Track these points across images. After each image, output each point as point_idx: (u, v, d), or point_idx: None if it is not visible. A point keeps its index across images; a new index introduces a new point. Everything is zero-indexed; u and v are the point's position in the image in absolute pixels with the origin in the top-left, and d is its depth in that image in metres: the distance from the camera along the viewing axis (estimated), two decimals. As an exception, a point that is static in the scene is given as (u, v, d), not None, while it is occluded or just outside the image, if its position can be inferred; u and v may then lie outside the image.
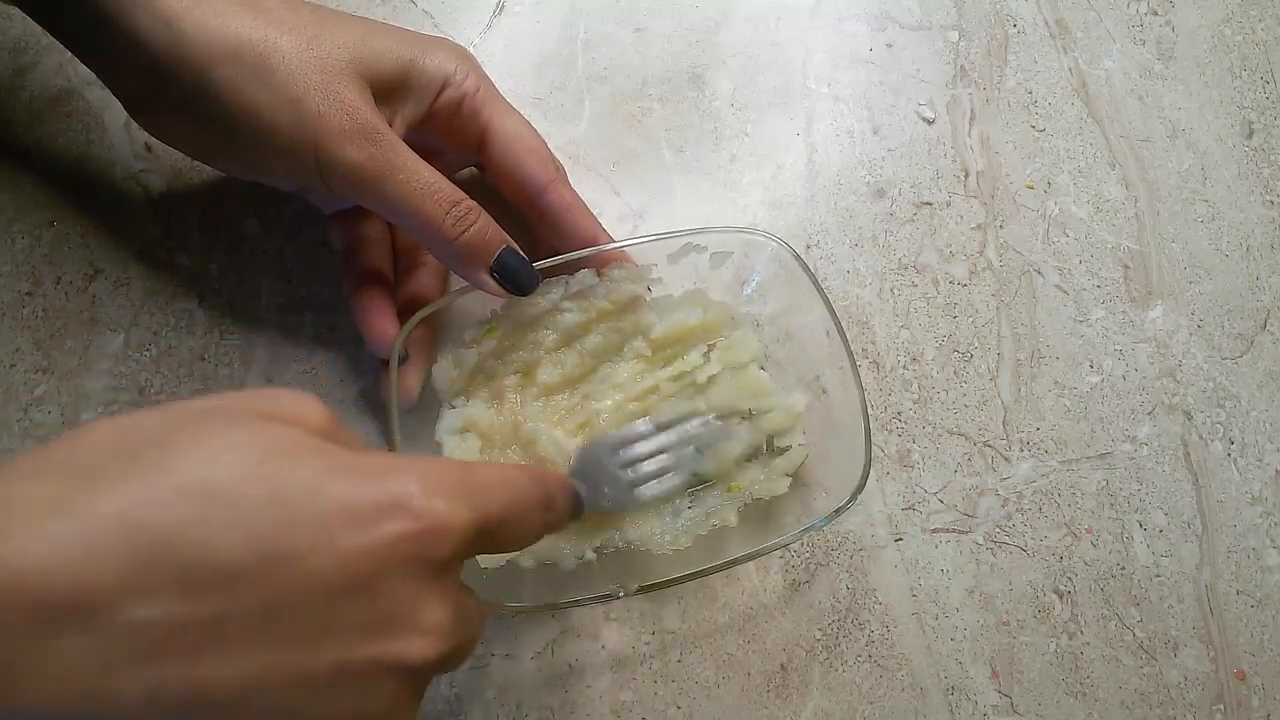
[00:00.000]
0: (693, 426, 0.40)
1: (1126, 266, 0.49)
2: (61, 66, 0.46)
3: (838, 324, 0.40)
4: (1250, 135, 0.52)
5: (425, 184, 0.35)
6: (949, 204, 0.49)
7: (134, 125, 0.44)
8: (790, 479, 0.41)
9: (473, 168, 0.45)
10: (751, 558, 0.39)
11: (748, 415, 0.41)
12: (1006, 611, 0.44)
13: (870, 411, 0.41)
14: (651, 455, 0.39)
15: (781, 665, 0.42)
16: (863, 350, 0.46)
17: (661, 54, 0.50)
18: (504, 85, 0.41)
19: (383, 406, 0.43)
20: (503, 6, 0.50)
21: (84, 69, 0.38)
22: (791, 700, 0.41)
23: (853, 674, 0.42)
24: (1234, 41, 0.54)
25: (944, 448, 0.45)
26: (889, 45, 0.51)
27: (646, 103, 0.49)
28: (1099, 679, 0.43)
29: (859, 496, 0.38)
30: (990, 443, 0.46)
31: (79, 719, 0.20)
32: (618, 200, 0.47)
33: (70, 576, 0.19)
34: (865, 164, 0.49)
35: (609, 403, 0.41)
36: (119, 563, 0.20)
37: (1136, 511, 0.46)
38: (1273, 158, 0.52)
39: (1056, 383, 0.47)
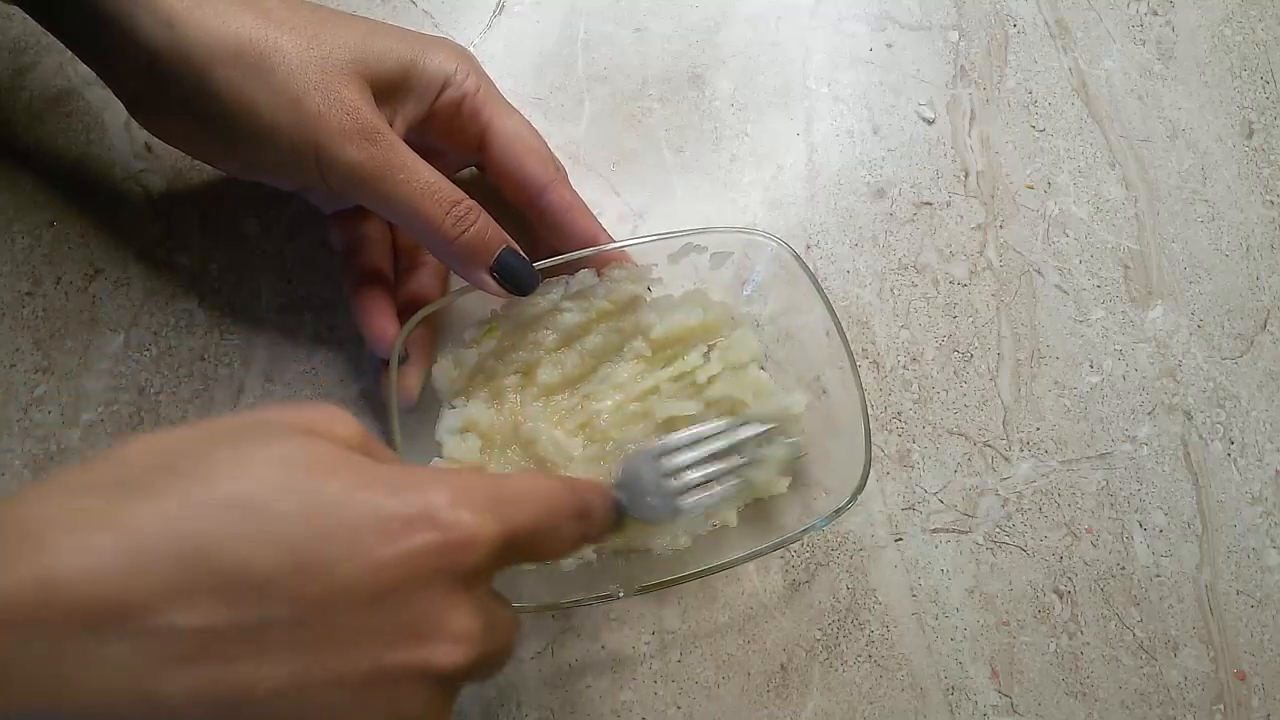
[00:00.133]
0: (741, 434, 0.39)
1: (1126, 266, 0.49)
2: (61, 66, 0.46)
3: (838, 324, 0.40)
4: (1250, 135, 0.52)
5: (425, 184, 0.35)
6: (949, 204, 0.49)
7: (134, 125, 0.44)
8: (790, 479, 0.41)
9: (473, 168, 0.45)
10: (751, 558, 0.39)
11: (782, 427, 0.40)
12: (1006, 611, 0.44)
13: (870, 411, 0.41)
14: (695, 464, 0.38)
15: (781, 665, 0.42)
16: (863, 350, 0.46)
17: (661, 54, 0.50)
18: (504, 85, 0.41)
19: (383, 406, 0.43)
20: (503, 6, 0.50)
21: (84, 69, 0.38)
22: (791, 700, 0.41)
23: (853, 674, 0.42)
24: (1234, 41, 0.54)
25: (944, 448, 0.45)
26: (889, 45, 0.51)
27: (646, 103, 0.49)
28: (1099, 679, 0.43)
29: (859, 496, 0.38)
30: (990, 443, 0.46)
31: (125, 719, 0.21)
32: (618, 200, 0.47)
33: (114, 585, 0.20)
34: (865, 164, 0.49)
35: (609, 403, 0.41)
36: (160, 572, 0.21)
37: (1136, 511, 0.46)
38: (1273, 158, 0.52)
39: (1056, 383, 0.47)
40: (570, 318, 0.40)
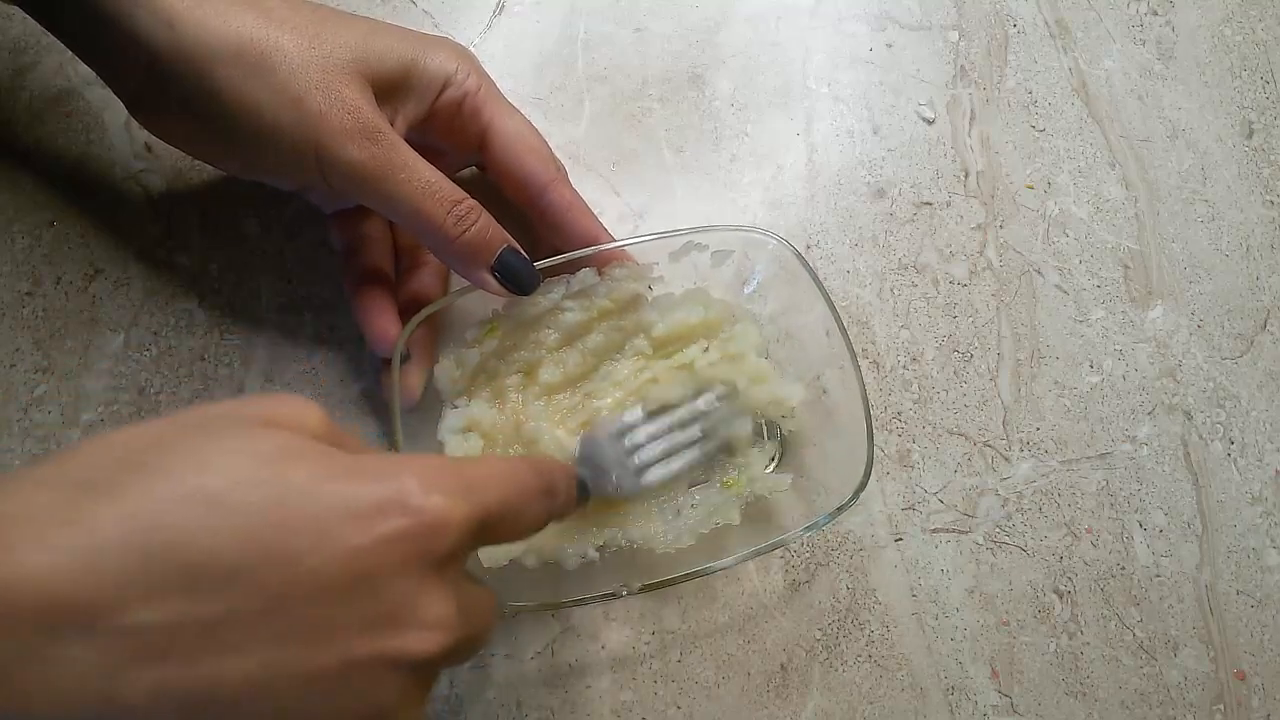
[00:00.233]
0: (700, 404, 0.40)
1: (1126, 266, 0.49)
2: (61, 66, 0.46)
3: (839, 323, 0.40)
4: (1250, 135, 0.52)
5: (426, 183, 0.35)
6: (949, 204, 0.49)
7: (134, 125, 0.44)
8: (790, 477, 0.41)
9: (474, 167, 0.45)
10: (751, 557, 0.39)
11: (740, 394, 0.41)
12: (1006, 611, 0.44)
13: (870, 411, 0.41)
14: (654, 438, 0.39)
15: (781, 665, 0.42)
16: (863, 350, 0.46)
17: (661, 54, 0.50)
18: (504, 85, 0.41)
19: (384, 406, 0.43)
20: (503, 6, 0.50)
21: (84, 69, 0.38)
22: (791, 700, 0.41)
23: (853, 674, 0.42)
24: (1234, 41, 0.54)
25: (944, 448, 0.45)
26: (889, 45, 0.51)
27: (646, 103, 0.49)
28: (1099, 679, 0.43)
29: (860, 496, 0.38)
30: (990, 443, 0.46)
31: None
32: (618, 200, 0.47)
33: (74, 584, 0.20)
34: (865, 164, 0.49)
35: (610, 400, 0.41)
36: (121, 568, 0.20)
37: (1136, 511, 0.46)
38: (1273, 158, 0.52)
39: (1056, 383, 0.47)
40: (572, 317, 0.40)
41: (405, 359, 0.39)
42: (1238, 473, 0.47)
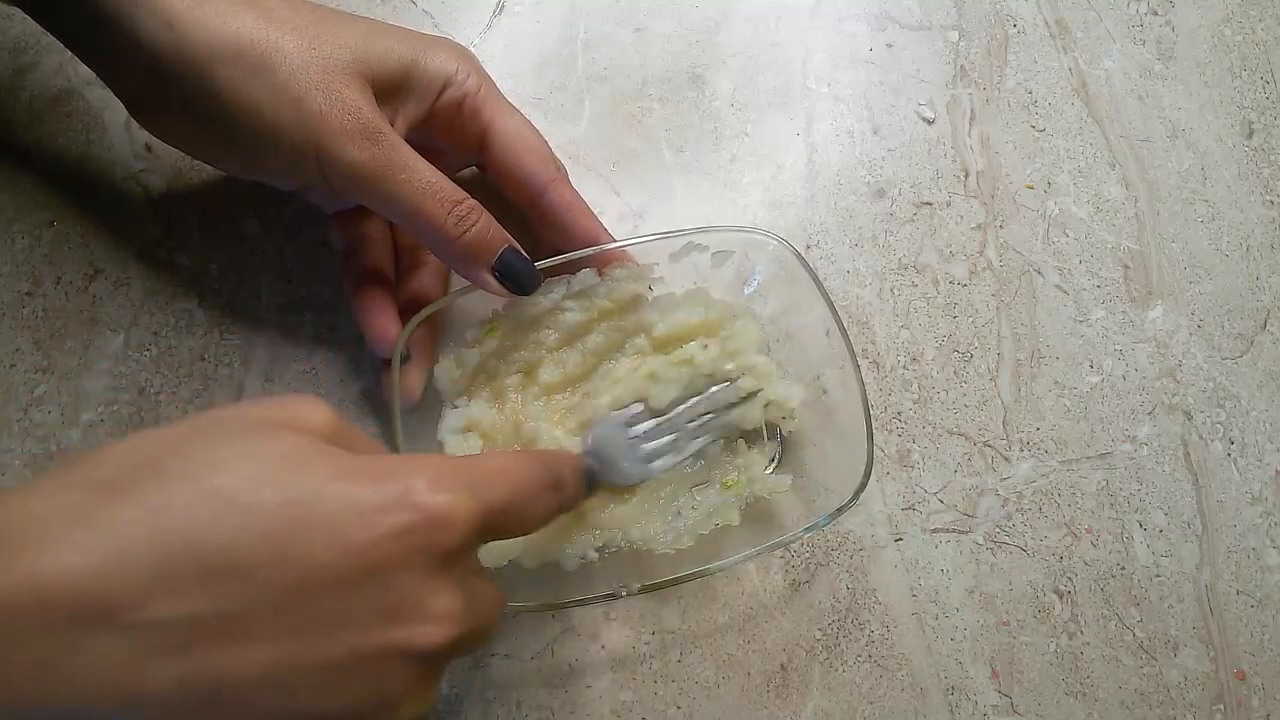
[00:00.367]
0: (710, 393, 0.41)
1: (1126, 266, 0.49)
2: (61, 66, 0.46)
3: (839, 323, 0.40)
4: (1250, 135, 0.52)
5: (427, 183, 0.35)
6: (949, 204, 0.49)
7: (134, 125, 0.44)
8: (790, 477, 0.41)
9: (474, 167, 0.45)
10: (751, 557, 0.39)
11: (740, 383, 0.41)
12: (1006, 611, 0.44)
13: (870, 411, 0.41)
14: (661, 426, 0.40)
15: (781, 665, 0.42)
16: (863, 350, 0.46)
17: (661, 54, 0.50)
18: (504, 85, 0.41)
19: (384, 406, 0.43)
20: (503, 6, 0.50)
21: (84, 69, 0.38)
22: (791, 700, 0.41)
23: (853, 674, 0.42)
24: (1234, 41, 0.54)
25: (944, 448, 0.45)
26: (889, 45, 0.51)
27: (646, 103, 0.49)
28: (1099, 679, 0.43)
29: (860, 496, 0.38)
30: (990, 443, 0.46)
31: (116, 712, 0.21)
32: (618, 200, 0.47)
33: (98, 581, 0.21)
34: (865, 164, 0.49)
35: (608, 399, 0.41)
36: (143, 566, 0.21)
37: (1136, 511, 0.46)
38: (1273, 158, 0.52)
39: (1056, 383, 0.47)
40: (572, 317, 0.40)
41: (405, 359, 0.39)
42: (1238, 473, 0.47)
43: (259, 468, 0.24)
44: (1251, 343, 0.49)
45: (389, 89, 0.36)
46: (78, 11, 0.33)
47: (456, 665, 0.40)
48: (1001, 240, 0.49)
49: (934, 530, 0.44)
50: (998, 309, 0.48)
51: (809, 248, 0.48)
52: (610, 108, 0.49)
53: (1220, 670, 0.44)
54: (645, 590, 0.37)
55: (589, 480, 0.33)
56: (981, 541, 0.44)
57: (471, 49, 0.45)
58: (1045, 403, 0.47)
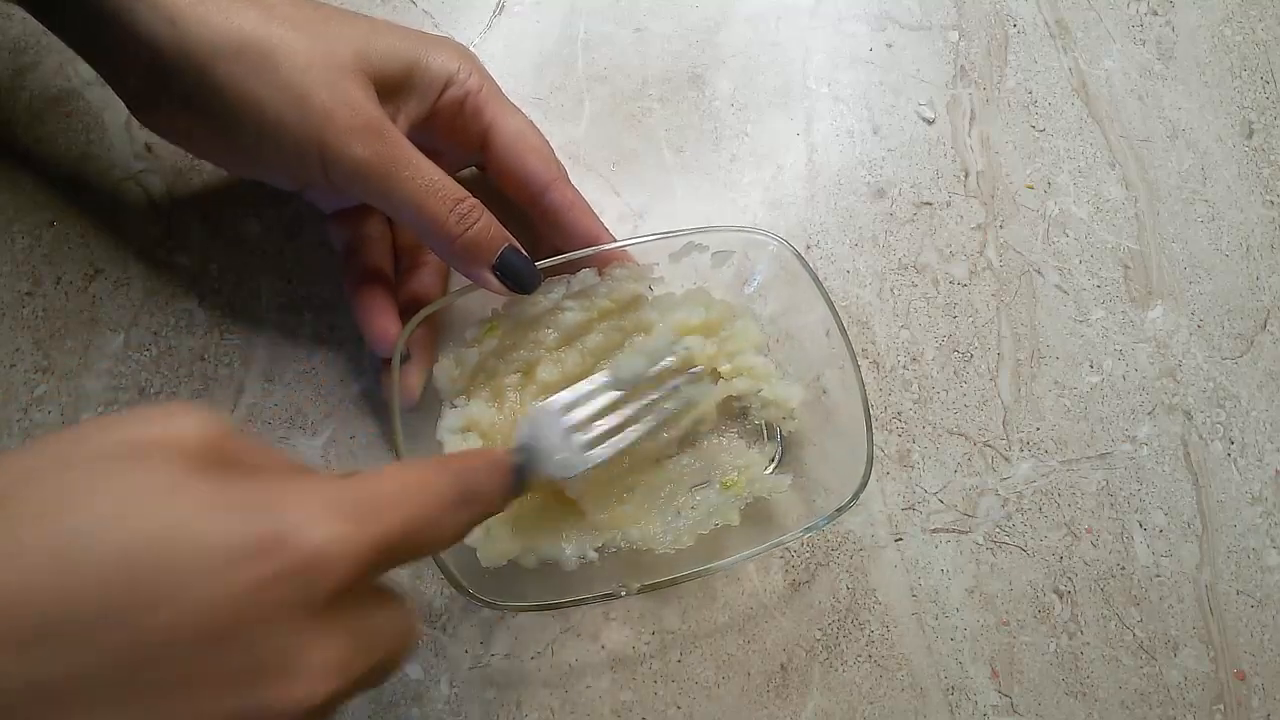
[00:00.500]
0: (652, 372, 0.38)
1: (1126, 266, 0.49)
2: (61, 66, 0.46)
3: (839, 323, 0.40)
4: (1250, 135, 0.52)
5: (429, 181, 0.35)
6: (949, 204, 0.49)
7: (134, 125, 0.44)
8: (790, 477, 0.41)
9: (474, 167, 0.45)
10: (751, 557, 0.39)
11: (706, 367, 0.40)
12: (1006, 611, 0.44)
13: (870, 411, 0.41)
14: (604, 411, 0.37)
15: (781, 665, 0.42)
16: (863, 350, 0.46)
17: (661, 54, 0.50)
18: (504, 85, 0.41)
19: (384, 406, 0.43)
20: (503, 6, 0.50)
21: (84, 69, 0.38)
22: (791, 700, 0.41)
23: (853, 674, 0.42)
24: (1234, 41, 0.54)
25: (944, 448, 0.45)
26: (889, 45, 0.51)
27: (646, 103, 0.49)
28: (1099, 679, 0.43)
29: (860, 496, 0.38)
30: (990, 443, 0.46)
31: None
32: (618, 200, 0.47)
33: None
34: (865, 164, 0.49)
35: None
36: None
37: (1136, 511, 0.46)
38: (1273, 158, 0.52)
39: (1056, 383, 0.47)
40: (571, 316, 0.40)
41: (405, 359, 0.39)
42: (1238, 473, 0.47)
43: (114, 504, 0.21)
44: (1251, 343, 0.49)
45: (391, 87, 0.36)
46: (79, 8, 0.33)
47: (457, 665, 0.40)
48: (1001, 240, 0.49)
49: (934, 530, 0.44)
50: (998, 309, 0.48)
51: (809, 248, 0.48)
52: (610, 108, 0.49)
53: (1220, 670, 0.44)
54: (645, 590, 0.37)
55: (519, 477, 0.30)
56: (981, 541, 0.44)
57: (472, 49, 0.45)
58: (1045, 403, 0.47)
